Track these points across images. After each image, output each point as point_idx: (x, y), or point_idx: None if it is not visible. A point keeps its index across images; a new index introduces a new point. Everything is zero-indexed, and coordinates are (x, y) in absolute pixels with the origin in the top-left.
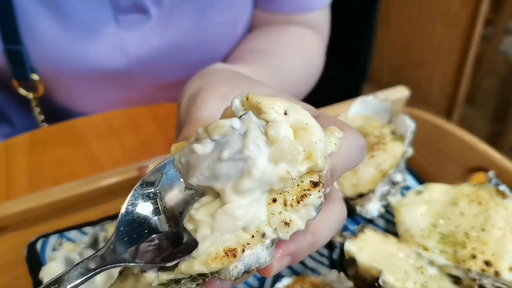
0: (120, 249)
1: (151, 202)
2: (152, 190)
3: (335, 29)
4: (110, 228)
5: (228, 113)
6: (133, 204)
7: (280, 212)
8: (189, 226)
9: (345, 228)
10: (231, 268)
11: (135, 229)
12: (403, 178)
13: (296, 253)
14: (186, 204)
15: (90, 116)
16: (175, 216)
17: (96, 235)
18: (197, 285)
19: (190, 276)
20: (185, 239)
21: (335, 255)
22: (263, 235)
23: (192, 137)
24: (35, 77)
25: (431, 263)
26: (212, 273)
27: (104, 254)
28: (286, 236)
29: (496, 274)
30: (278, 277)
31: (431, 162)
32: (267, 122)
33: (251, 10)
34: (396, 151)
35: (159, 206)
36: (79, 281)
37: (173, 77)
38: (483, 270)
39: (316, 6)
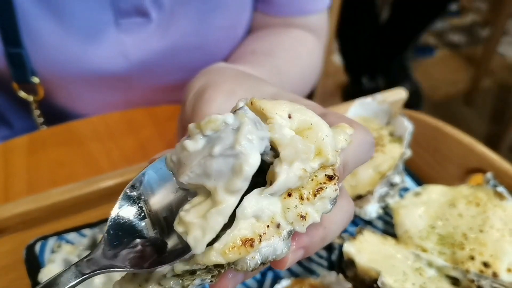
0: (109, 253)
1: (137, 205)
2: (135, 193)
3: None
4: None
5: None
6: (122, 207)
7: (295, 206)
8: (179, 229)
9: (343, 230)
10: (248, 259)
11: (124, 233)
12: (402, 179)
13: (309, 247)
14: (180, 206)
15: (89, 118)
16: (166, 219)
17: (95, 237)
18: (212, 276)
19: (206, 267)
20: (171, 244)
21: (334, 256)
22: (278, 226)
23: None
24: (35, 80)
25: (430, 264)
26: (229, 264)
27: (94, 258)
28: (302, 229)
29: (494, 275)
30: (277, 279)
31: (429, 164)
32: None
33: (250, 13)
34: (394, 153)
35: (144, 209)
36: (70, 285)
37: (172, 80)
38: (481, 271)
39: (315, 10)
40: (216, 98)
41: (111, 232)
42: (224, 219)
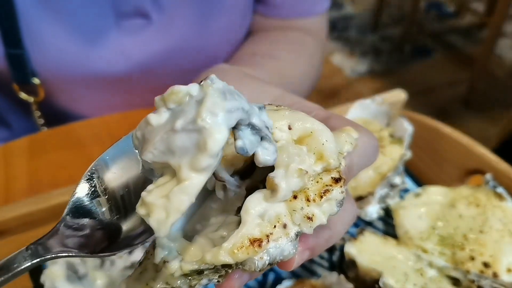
0: (64, 237)
1: (95, 188)
2: (95, 176)
3: None
4: None
5: None
6: (80, 191)
7: (302, 208)
8: (141, 211)
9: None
10: (256, 259)
11: (82, 217)
12: (402, 180)
13: (315, 248)
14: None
15: (90, 120)
16: (123, 200)
17: None
18: (219, 276)
19: (214, 267)
20: (129, 226)
21: (335, 257)
22: (285, 226)
23: None
24: (36, 81)
25: (430, 265)
26: (237, 264)
27: (46, 242)
28: (310, 230)
29: (495, 275)
30: (278, 280)
31: (429, 165)
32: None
33: (250, 15)
34: (395, 154)
35: (98, 188)
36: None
37: (172, 82)
38: (481, 272)
39: (314, 12)
40: None
41: (69, 216)
42: (189, 198)
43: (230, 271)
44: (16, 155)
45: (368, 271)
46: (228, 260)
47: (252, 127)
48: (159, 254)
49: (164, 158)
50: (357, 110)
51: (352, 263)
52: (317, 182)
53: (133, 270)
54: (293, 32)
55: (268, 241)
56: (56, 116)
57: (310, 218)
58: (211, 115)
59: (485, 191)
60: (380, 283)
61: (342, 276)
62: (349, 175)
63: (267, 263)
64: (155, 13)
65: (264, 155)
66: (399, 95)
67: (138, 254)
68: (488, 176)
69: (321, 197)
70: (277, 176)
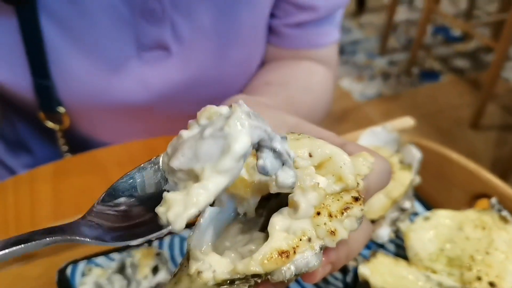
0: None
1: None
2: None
3: None
4: (137, 254)
5: None
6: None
7: (325, 223)
8: (161, 210)
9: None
10: (284, 269)
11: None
12: (412, 205)
13: (336, 262)
14: None
15: (112, 147)
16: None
17: (123, 261)
18: (249, 286)
19: (245, 277)
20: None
21: (349, 278)
22: (309, 240)
23: None
24: (61, 109)
25: (440, 285)
26: (266, 274)
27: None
28: (333, 244)
29: None
30: None
31: (437, 190)
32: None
33: (264, 46)
34: (404, 180)
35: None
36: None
37: (191, 111)
38: None
39: (326, 43)
40: None
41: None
42: (208, 195)
43: (259, 281)
44: (42, 181)
45: None
46: (259, 270)
47: (274, 151)
48: (193, 265)
49: (190, 164)
50: (369, 137)
51: (366, 284)
52: (338, 200)
53: None
54: (305, 62)
55: (295, 252)
56: (79, 143)
57: (333, 232)
58: (238, 125)
59: (490, 214)
60: None
61: None
62: (367, 195)
63: (293, 274)
64: (175, 46)
65: (284, 179)
66: (407, 121)
67: (162, 275)
68: (494, 200)
69: (342, 213)
70: (296, 195)
